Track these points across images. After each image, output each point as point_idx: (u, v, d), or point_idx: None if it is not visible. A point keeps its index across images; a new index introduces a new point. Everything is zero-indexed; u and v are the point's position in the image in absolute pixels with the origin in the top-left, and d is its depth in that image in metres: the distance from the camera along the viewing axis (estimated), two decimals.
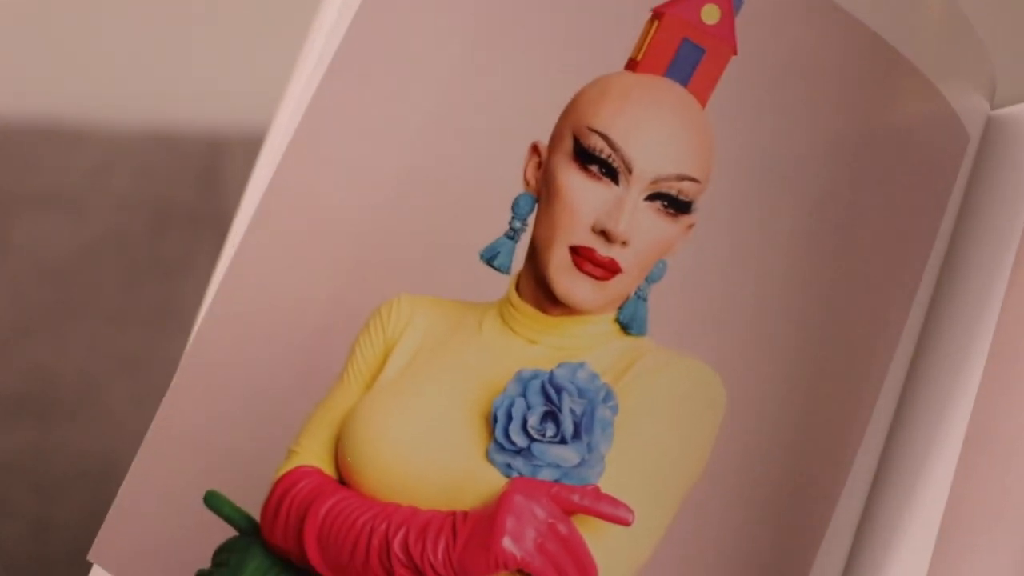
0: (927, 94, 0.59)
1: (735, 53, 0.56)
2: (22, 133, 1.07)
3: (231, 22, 1.14)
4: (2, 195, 1.04)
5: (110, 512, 0.55)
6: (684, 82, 0.55)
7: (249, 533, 0.55)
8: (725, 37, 0.55)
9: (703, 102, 0.55)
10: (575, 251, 0.55)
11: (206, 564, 0.55)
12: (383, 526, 0.53)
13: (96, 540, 0.55)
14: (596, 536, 0.52)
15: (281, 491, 0.54)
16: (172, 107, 1.11)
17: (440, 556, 0.52)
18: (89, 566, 0.56)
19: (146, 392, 0.93)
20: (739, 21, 0.56)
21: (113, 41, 1.13)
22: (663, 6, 0.56)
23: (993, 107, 0.62)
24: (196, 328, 0.56)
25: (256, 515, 0.55)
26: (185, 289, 1.04)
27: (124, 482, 0.55)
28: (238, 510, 0.55)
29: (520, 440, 0.53)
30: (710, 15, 0.55)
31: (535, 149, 0.56)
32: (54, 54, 1.13)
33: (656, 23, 0.56)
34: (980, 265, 0.60)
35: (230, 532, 0.55)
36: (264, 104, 1.07)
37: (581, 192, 0.55)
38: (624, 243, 0.54)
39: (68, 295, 1.03)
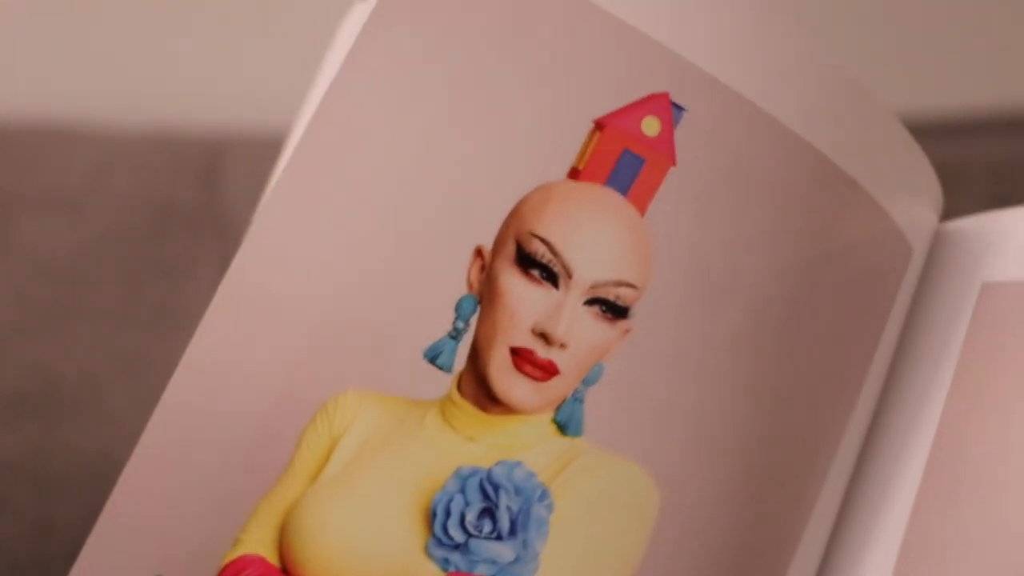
0: (869, 210, 0.60)
1: (674, 164, 0.58)
2: (22, 133, 1.09)
3: (231, 22, 1.16)
4: (2, 195, 1.06)
5: None
6: (624, 191, 0.57)
7: None
8: (664, 149, 0.57)
9: (642, 210, 0.57)
10: (515, 352, 0.57)
11: None
12: None
13: None
14: None
15: None
16: (172, 107, 1.12)
17: None
18: None
19: (146, 392, 0.94)
20: (679, 133, 0.58)
21: (113, 41, 1.15)
22: (605, 118, 0.58)
23: (942, 219, 0.64)
24: (151, 417, 0.58)
25: None
26: (185, 289, 1.05)
27: (73, 569, 0.56)
28: None
29: (458, 535, 0.55)
30: (650, 127, 0.57)
31: (479, 253, 0.58)
32: (54, 54, 1.14)
33: (598, 134, 0.57)
34: (922, 377, 0.62)
35: None
36: (264, 104, 1.09)
37: (522, 295, 0.57)
38: (563, 345, 0.56)
39: (68, 295, 1.04)
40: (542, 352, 0.57)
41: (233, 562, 0.57)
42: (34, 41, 1.14)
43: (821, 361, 0.60)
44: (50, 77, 1.13)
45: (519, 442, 0.57)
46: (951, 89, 1.14)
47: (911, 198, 0.62)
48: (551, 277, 0.57)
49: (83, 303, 1.05)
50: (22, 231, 1.05)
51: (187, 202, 1.09)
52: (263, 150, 0.98)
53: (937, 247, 0.64)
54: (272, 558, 0.57)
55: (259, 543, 0.57)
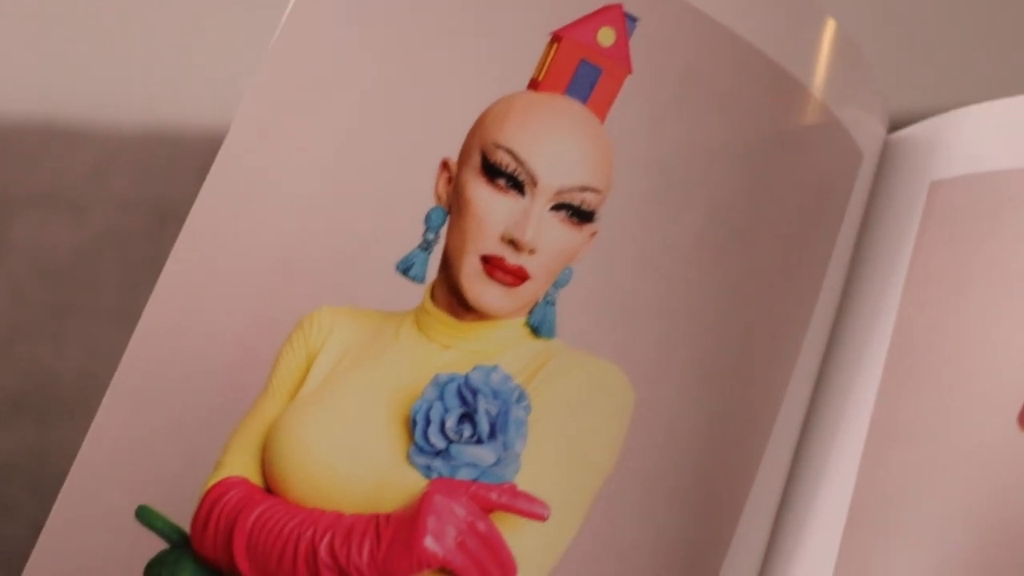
0: (819, 115, 0.64)
1: (630, 72, 0.61)
2: (22, 133, 1.10)
3: (231, 22, 1.18)
4: (2, 195, 1.08)
5: (43, 532, 0.59)
6: (583, 99, 0.61)
7: (180, 545, 0.59)
8: (620, 58, 0.61)
9: (602, 118, 0.61)
10: (485, 260, 0.60)
11: None
12: (309, 532, 0.57)
13: (29, 560, 0.59)
14: (514, 532, 0.57)
15: (210, 503, 0.59)
16: (172, 107, 1.14)
17: (365, 558, 0.56)
18: None
19: None
20: (633, 42, 0.61)
21: (112, 41, 1.17)
22: (562, 30, 0.61)
23: (890, 131, 0.68)
24: (128, 345, 0.60)
25: (187, 528, 0.59)
26: None
27: (56, 501, 0.59)
28: (169, 523, 0.59)
29: (439, 442, 0.57)
30: (606, 37, 0.61)
31: (445, 165, 0.61)
32: (54, 54, 1.16)
33: (555, 46, 0.61)
34: (879, 273, 0.66)
35: (162, 546, 0.59)
36: None
37: (489, 204, 0.60)
38: (531, 251, 0.59)
39: (68, 295, 1.06)
40: (512, 258, 0.60)
41: (216, 485, 0.59)
42: (34, 41, 1.16)
43: (780, 260, 0.63)
44: (50, 77, 1.15)
45: (494, 347, 0.60)
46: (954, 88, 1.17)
47: (859, 107, 0.66)
48: (517, 185, 0.60)
49: (83, 303, 1.06)
50: (22, 231, 1.07)
51: (187, 202, 1.11)
52: None
53: (887, 154, 0.68)
54: (255, 478, 0.59)
55: (241, 465, 0.60)
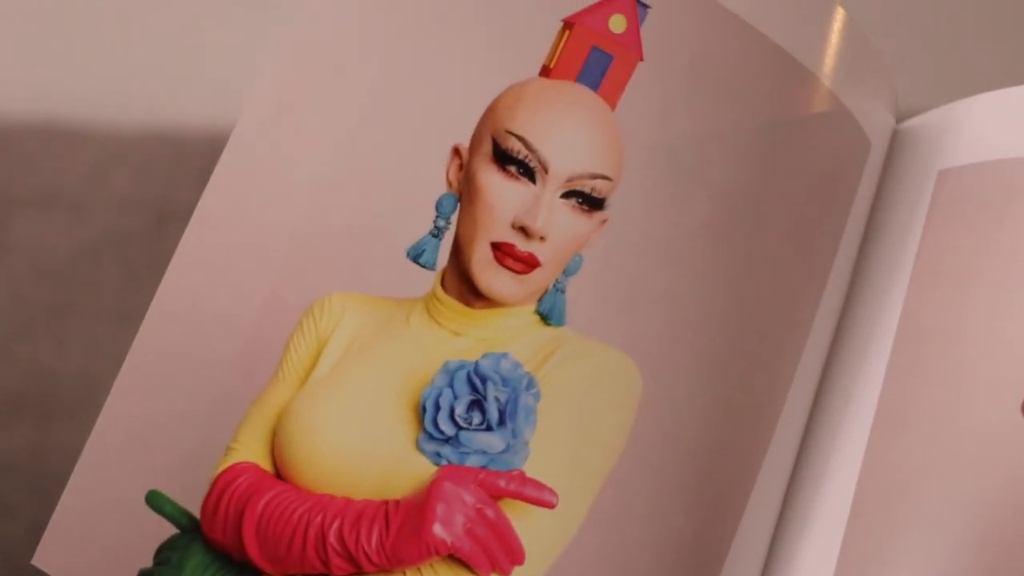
0: (828, 102, 0.65)
1: (642, 59, 0.62)
2: (22, 133, 1.11)
3: (231, 22, 1.19)
4: (2, 195, 1.08)
5: (53, 516, 0.59)
6: (595, 87, 0.62)
7: (190, 530, 0.59)
8: (632, 45, 0.62)
9: (613, 105, 0.62)
10: (496, 247, 0.60)
11: (148, 563, 0.59)
12: (318, 518, 0.58)
13: (40, 544, 0.59)
14: (522, 519, 0.58)
15: (220, 488, 0.59)
16: (172, 107, 1.14)
17: (374, 544, 0.57)
18: None
19: None
20: (645, 30, 0.62)
21: (112, 41, 1.17)
22: (573, 16, 0.62)
23: (898, 120, 0.70)
24: (139, 331, 0.61)
25: (196, 513, 0.60)
26: None
27: (67, 485, 0.59)
28: (179, 508, 0.60)
29: (448, 429, 0.58)
30: (617, 24, 0.62)
31: (456, 152, 0.62)
32: (54, 54, 1.17)
33: (567, 32, 0.62)
34: (886, 261, 0.67)
35: (172, 530, 0.59)
36: None
37: (500, 191, 0.61)
38: (542, 238, 0.60)
39: (68, 295, 1.06)
40: (522, 245, 0.60)
41: (226, 471, 0.60)
42: (34, 41, 1.17)
43: (788, 247, 0.64)
44: (50, 77, 1.15)
45: (504, 334, 0.61)
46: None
47: (868, 96, 0.67)
48: (528, 172, 0.61)
49: (83, 303, 1.07)
50: (22, 231, 1.08)
51: (187, 202, 1.10)
52: None
53: (895, 144, 0.69)
54: (265, 464, 0.60)
55: (251, 451, 0.60)
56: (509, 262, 0.60)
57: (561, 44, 0.61)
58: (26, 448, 1.02)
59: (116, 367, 1.06)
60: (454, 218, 0.62)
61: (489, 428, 0.58)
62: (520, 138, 0.61)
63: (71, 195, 1.09)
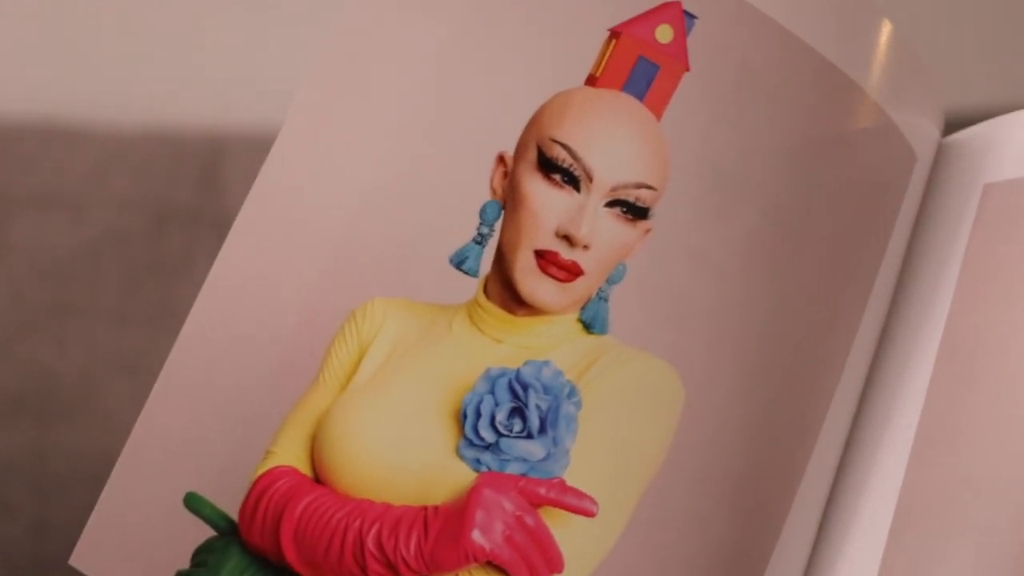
0: (873, 115, 0.66)
1: (688, 69, 0.62)
2: (22, 133, 1.11)
3: (231, 22, 1.19)
4: (2, 195, 1.08)
5: (92, 516, 0.59)
6: (640, 96, 0.62)
7: (228, 533, 0.60)
8: (678, 55, 0.62)
9: (658, 115, 0.62)
10: (539, 255, 0.61)
11: (186, 564, 0.60)
12: (357, 523, 0.58)
13: (78, 544, 0.59)
14: (562, 527, 0.58)
15: (259, 491, 0.60)
16: (172, 107, 1.14)
17: (412, 550, 0.57)
18: None
19: (146, 392, 0.96)
20: (691, 40, 0.63)
21: (113, 41, 1.17)
22: (620, 26, 0.62)
23: (944, 133, 0.70)
24: (180, 334, 0.61)
25: (234, 515, 0.60)
26: (185, 289, 1.06)
27: (106, 485, 0.59)
28: (217, 511, 0.60)
29: (488, 436, 0.58)
30: (664, 35, 0.62)
31: (501, 159, 0.62)
32: (54, 54, 1.17)
33: (614, 42, 0.62)
34: (930, 275, 0.68)
35: (209, 533, 0.60)
36: (264, 104, 1.12)
37: (545, 199, 0.61)
38: (586, 247, 0.60)
39: (68, 295, 1.07)
40: (566, 253, 0.61)
41: (265, 474, 0.60)
42: (34, 41, 1.17)
43: (832, 260, 0.65)
44: (50, 77, 1.15)
45: (546, 342, 0.61)
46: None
47: (914, 109, 0.67)
48: (572, 181, 0.61)
49: (83, 303, 1.07)
50: (21, 231, 1.08)
51: (186, 202, 1.11)
52: (262, 150, 1.01)
53: (940, 158, 0.70)
54: (304, 468, 0.60)
55: (291, 455, 0.61)
56: (552, 270, 0.61)
57: (608, 53, 0.62)
58: (26, 448, 1.02)
59: (115, 367, 1.06)
60: (498, 225, 0.62)
61: (530, 436, 0.58)
62: (565, 146, 0.61)
63: (71, 195, 1.10)
